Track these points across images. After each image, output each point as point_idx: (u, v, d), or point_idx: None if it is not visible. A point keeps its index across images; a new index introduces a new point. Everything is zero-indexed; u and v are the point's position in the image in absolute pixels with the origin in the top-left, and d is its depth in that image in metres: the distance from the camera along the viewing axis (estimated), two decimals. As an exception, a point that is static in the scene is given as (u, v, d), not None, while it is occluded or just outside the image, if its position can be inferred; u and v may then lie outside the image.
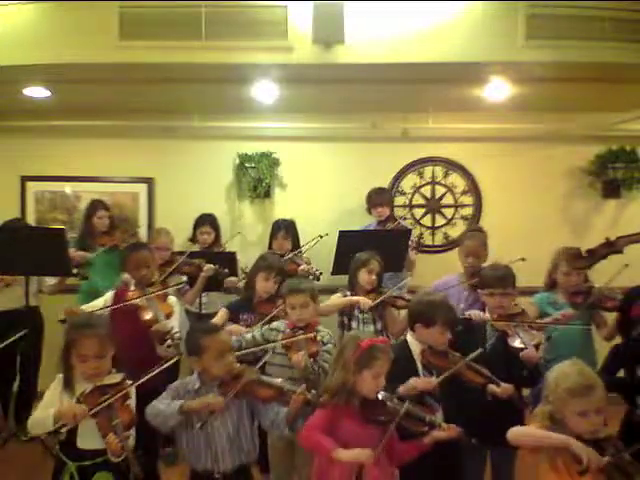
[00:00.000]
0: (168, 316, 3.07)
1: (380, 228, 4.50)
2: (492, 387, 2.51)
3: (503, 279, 2.94)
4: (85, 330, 2.30)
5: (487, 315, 2.95)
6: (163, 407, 2.28)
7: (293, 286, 2.97)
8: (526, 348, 2.71)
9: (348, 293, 3.43)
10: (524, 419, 2.65)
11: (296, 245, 4.37)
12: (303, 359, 2.72)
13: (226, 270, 3.88)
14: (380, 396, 2.26)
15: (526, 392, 3.09)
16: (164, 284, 3.29)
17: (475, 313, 2.98)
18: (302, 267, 4.00)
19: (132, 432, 2.21)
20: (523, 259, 3.53)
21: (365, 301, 3.29)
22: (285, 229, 4.36)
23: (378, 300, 3.30)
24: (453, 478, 2.59)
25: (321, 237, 4.23)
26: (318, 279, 3.93)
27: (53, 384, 2.34)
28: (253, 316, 3.29)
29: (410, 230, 4.22)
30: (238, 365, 2.41)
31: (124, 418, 2.18)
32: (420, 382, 2.46)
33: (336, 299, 3.41)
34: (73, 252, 4.06)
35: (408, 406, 2.22)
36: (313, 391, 2.33)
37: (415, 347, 2.61)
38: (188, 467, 2.45)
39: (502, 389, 2.49)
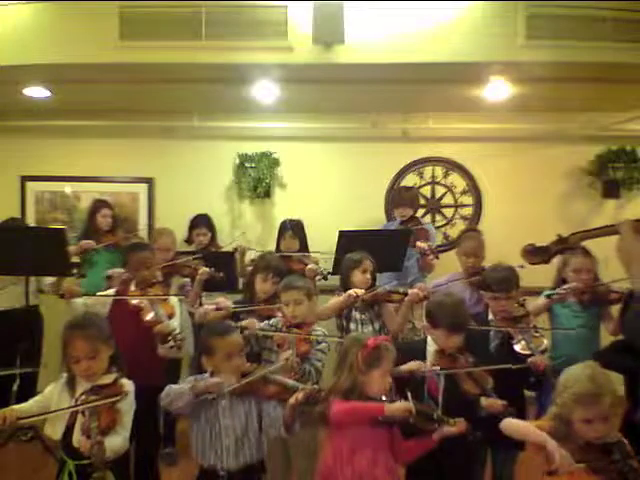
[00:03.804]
0: (170, 317, 3.07)
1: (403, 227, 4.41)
2: (483, 399, 2.42)
3: (506, 282, 2.90)
4: (76, 331, 2.30)
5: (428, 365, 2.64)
6: (176, 387, 2.34)
7: (287, 283, 2.97)
8: (532, 354, 2.66)
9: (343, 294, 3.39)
10: (525, 419, 2.64)
11: (304, 245, 4.34)
12: (290, 359, 2.68)
13: (221, 274, 3.85)
14: (384, 398, 2.27)
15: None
16: (165, 286, 3.28)
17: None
18: (310, 266, 3.97)
19: (106, 440, 2.10)
20: (522, 266, 3.34)
21: (357, 290, 3.22)
22: (292, 229, 4.32)
23: (371, 293, 3.24)
24: (458, 478, 2.58)
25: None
26: (326, 279, 3.90)
27: (56, 382, 2.35)
28: (254, 317, 3.28)
29: (412, 230, 4.20)
30: (248, 365, 2.42)
31: (104, 421, 2.14)
32: (414, 364, 2.47)
33: (332, 301, 3.36)
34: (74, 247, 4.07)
35: (414, 404, 2.23)
36: (315, 386, 2.34)
37: (431, 347, 2.61)
38: (189, 467, 2.47)
39: (488, 403, 2.38)
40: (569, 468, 1.87)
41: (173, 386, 2.36)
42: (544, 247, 3.25)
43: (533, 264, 3.26)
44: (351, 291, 3.22)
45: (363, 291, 3.23)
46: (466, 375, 2.46)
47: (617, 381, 2.69)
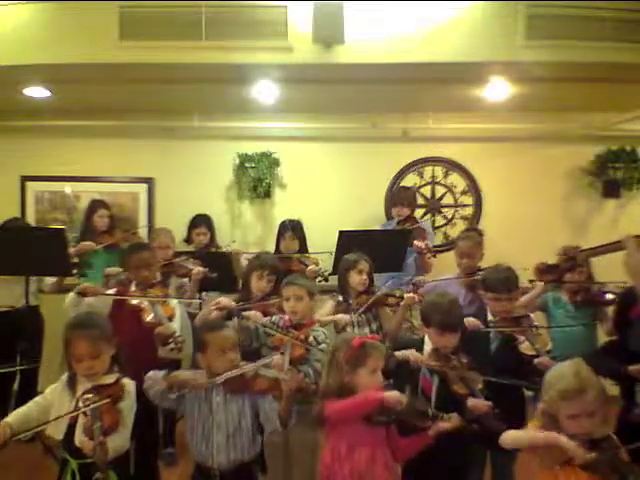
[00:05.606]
0: (170, 318, 3.07)
1: (401, 227, 4.41)
2: (469, 400, 2.38)
3: (507, 282, 2.90)
4: (78, 330, 2.31)
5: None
6: (158, 374, 2.37)
7: (290, 279, 2.99)
8: (538, 355, 2.65)
9: (340, 298, 3.37)
10: (525, 418, 2.65)
11: (303, 245, 4.35)
12: (283, 363, 2.64)
13: (215, 274, 3.84)
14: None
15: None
16: (164, 286, 3.28)
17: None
18: (310, 267, 3.97)
19: (108, 439, 2.08)
20: (525, 269, 3.36)
21: (341, 317, 3.19)
22: (292, 229, 4.33)
23: (363, 307, 3.23)
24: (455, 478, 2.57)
25: (332, 254, 3.92)
26: (326, 280, 3.90)
27: (57, 383, 2.35)
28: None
29: (411, 230, 4.20)
30: (243, 363, 2.41)
31: (106, 422, 2.13)
32: (412, 354, 2.51)
33: (325, 314, 3.32)
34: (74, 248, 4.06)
35: (409, 402, 2.23)
36: (307, 379, 2.33)
37: (428, 346, 2.61)
38: (189, 467, 2.47)
39: (472, 404, 2.35)
40: (584, 458, 1.86)
41: (158, 372, 2.38)
42: (553, 265, 3.33)
43: (547, 282, 3.39)
44: (337, 317, 3.19)
45: (347, 318, 3.18)
46: (456, 375, 2.46)
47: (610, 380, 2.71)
